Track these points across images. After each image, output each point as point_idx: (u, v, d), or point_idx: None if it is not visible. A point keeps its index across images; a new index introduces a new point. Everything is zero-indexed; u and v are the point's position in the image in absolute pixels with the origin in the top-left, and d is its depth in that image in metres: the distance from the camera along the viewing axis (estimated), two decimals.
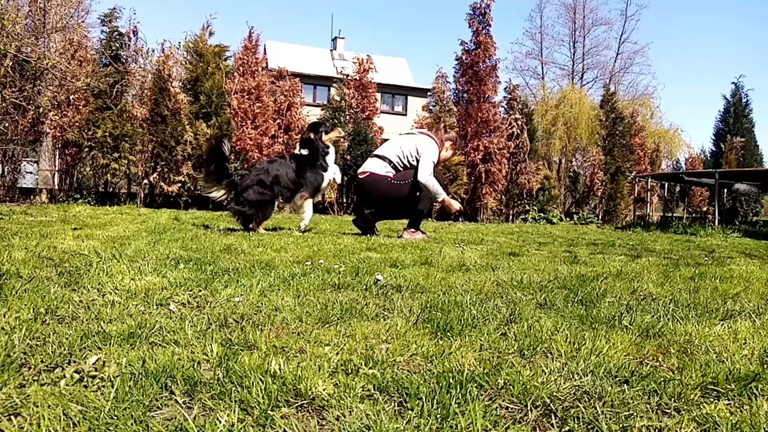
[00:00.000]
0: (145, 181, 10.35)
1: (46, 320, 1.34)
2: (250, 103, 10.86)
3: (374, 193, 4.66)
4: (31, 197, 9.72)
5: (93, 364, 1.04)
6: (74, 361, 1.06)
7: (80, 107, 9.69)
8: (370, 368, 1.09)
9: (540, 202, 14.33)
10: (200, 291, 1.75)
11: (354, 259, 2.71)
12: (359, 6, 54.31)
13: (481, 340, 1.32)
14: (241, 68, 11.12)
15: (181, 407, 0.90)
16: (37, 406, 0.85)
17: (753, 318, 1.67)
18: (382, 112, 14.06)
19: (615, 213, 15.22)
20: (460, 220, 12.20)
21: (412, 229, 4.67)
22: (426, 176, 4.46)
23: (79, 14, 10.15)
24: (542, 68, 33.74)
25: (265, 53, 20.92)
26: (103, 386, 0.95)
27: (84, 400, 0.89)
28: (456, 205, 4.68)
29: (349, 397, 0.95)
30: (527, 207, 13.95)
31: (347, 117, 12.27)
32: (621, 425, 0.89)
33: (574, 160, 18.64)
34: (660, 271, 2.83)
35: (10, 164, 9.34)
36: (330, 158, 4.68)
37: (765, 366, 1.18)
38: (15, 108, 8.66)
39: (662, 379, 1.09)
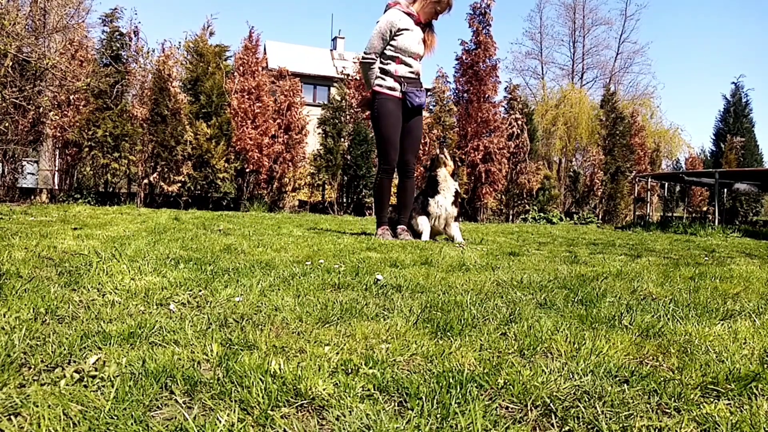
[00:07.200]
0: (145, 180, 10.35)
1: (46, 320, 1.34)
2: (250, 102, 10.86)
3: None
4: (32, 197, 9.72)
5: (93, 364, 1.04)
6: (74, 361, 1.06)
7: (80, 107, 9.69)
8: (370, 368, 1.09)
9: (540, 202, 14.33)
10: (200, 291, 1.75)
11: (354, 259, 2.71)
12: (359, 6, 54.29)
13: (481, 339, 1.32)
14: (241, 68, 11.13)
15: (181, 407, 0.90)
16: (37, 406, 0.85)
17: (753, 318, 1.67)
18: None
19: (615, 213, 15.21)
20: (460, 219, 12.20)
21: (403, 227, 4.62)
22: (363, 53, 4.07)
23: (80, 14, 10.14)
24: (542, 68, 33.76)
25: (265, 53, 20.96)
26: (103, 386, 0.95)
27: (84, 400, 0.89)
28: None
29: (349, 396, 0.95)
30: (527, 207, 13.95)
31: (347, 117, 12.27)
32: (621, 425, 0.89)
33: (574, 159, 18.66)
34: (660, 270, 2.83)
35: (11, 164, 9.33)
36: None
37: (765, 366, 1.18)
38: (15, 108, 8.66)
39: (662, 378, 1.09)
